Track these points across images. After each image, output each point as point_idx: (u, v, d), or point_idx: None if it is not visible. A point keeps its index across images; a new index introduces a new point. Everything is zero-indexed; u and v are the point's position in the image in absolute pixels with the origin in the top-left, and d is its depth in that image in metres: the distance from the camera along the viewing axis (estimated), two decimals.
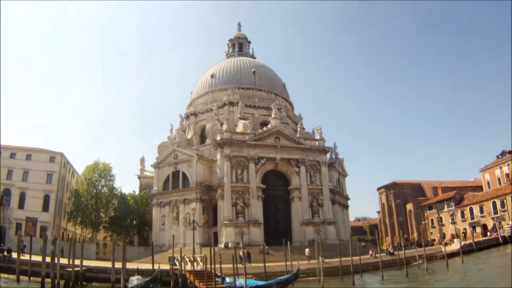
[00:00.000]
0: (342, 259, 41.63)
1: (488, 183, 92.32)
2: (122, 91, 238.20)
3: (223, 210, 65.58)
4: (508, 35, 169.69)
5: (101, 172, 75.32)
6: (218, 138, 69.07)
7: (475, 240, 61.91)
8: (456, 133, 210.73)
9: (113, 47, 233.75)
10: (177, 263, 38.08)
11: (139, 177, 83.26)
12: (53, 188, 75.83)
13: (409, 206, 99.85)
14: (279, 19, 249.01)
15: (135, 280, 34.15)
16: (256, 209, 66.60)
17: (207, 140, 77.02)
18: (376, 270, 45.16)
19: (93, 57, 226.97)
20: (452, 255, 53.79)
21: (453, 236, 72.58)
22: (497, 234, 65.81)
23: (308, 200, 70.51)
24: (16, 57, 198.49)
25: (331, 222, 71.24)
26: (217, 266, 35.18)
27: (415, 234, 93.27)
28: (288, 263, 40.68)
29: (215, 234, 68.79)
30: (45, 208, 74.39)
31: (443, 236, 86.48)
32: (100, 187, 75.11)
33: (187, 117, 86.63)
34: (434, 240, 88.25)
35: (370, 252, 55.62)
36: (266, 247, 54.70)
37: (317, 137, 75.86)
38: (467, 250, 55.73)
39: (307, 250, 50.11)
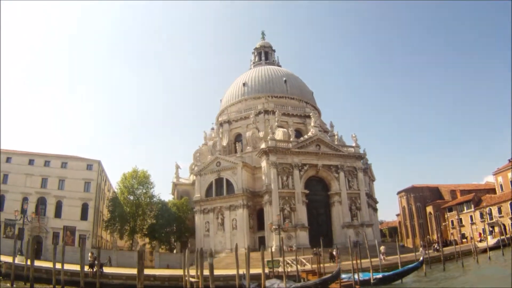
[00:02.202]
0: (391, 257, 48.73)
1: (501, 185, 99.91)
2: (146, 97, 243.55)
3: (271, 215, 69.73)
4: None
5: (141, 179, 77.95)
6: (263, 145, 73.49)
7: (500, 237, 69.98)
8: (465, 137, 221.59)
9: (132, 56, 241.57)
10: (281, 265, 42.39)
11: (176, 184, 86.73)
12: (91, 196, 76.75)
13: (429, 209, 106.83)
14: (293, 24, 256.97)
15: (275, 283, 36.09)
16: (302, 214, 71.18)
17: (248, 147, 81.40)
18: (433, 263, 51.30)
19: (110, 65, 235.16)
20: (490, 249, 60.75)
21: (481, 235, 79.62)
22: None
23: (348, 204, 75.88)
24: (44, 62, 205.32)
25: (369, 224, 76.67)
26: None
27: (435, 235, 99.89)
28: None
29: (260, 238, 72.96)
30: (84, 216, 75.01)
31: (463, 236, 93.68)
32: (140, 195, 77.41)
33: (221, 124, 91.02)
34: (455, 240, 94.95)
35: (420, 249, 61.66)
36: (331, 249, 59.18)
37: (353, 144, 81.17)
38: (501, 245, 63.39)
39: (382, 247, 54.99)
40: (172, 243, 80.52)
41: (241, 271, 35.46)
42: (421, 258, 41.62)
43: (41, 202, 73.09)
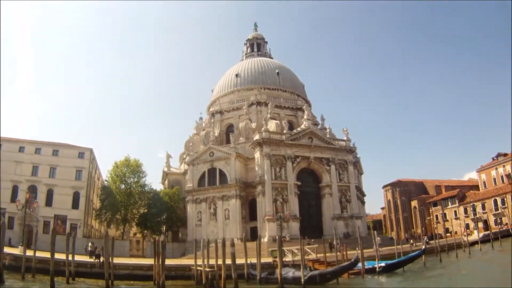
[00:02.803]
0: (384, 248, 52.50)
1: (484, 183, 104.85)
2: (135, 86, 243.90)
3: (264, 206, 72.08)
4: (508, 35, 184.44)
5: (133, 168, 78.25)
6: (257, 137, 75.70)
7: (485, 232, 75.26)
8: (449, 135, 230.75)
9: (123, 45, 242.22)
10: (289, 255, 44.60)
11: (167, 173, 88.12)
12: (82, 184, 76.74)
13: (414, 203, 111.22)
14: (285, 16, 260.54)
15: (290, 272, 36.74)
16: (294, 205, 73.80)
17: (241, 138, 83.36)
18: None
19: (102, 53, 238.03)
20: (476, 243, 66.23)
21: (464, 229, 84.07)
22: (508, 227, 76.97)
23: (338, 196, 78.79)
24: (34, 49, 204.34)
25: (358, 216, 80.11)
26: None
27: (419, 229, 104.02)
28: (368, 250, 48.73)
29: (252, 228, 75.10)
30: (75, 205, 74.76)
31: (447, 231, 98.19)
32: (131, 184, 77.89)
33: (212, 114, 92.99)
34: (440, 234, 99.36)
35: (411, 241, 65.26)
36: (331, 240, 60.97)
37: (344, 137, 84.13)
38: (486, 239, 68.39)
39: (378, 238, 57.82)
40: (163, 232, 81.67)
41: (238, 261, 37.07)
42: (423, 247, 44.84)
43: (32, 191, 71.19)
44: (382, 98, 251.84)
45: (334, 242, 53.02)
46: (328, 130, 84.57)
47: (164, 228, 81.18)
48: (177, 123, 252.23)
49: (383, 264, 39.84)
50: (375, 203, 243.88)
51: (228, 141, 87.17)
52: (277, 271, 36.68)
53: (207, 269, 35.07)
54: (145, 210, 79.26)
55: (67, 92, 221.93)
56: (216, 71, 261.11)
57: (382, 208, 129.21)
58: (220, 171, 78.14)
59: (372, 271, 38.97)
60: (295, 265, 40.99)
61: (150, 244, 74.98)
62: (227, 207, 75.63)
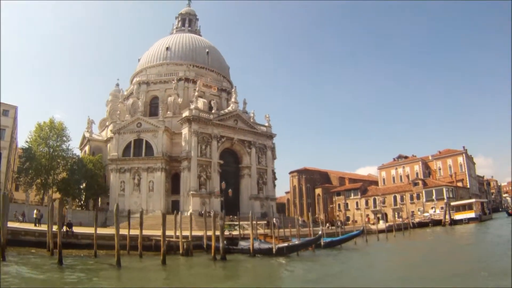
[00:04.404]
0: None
1: (384, 179, 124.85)
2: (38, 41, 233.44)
3: (189, 181, 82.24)
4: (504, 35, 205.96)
5: (59, 131, 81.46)
6: (187, 113, 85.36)
7: (389, 223, 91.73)
8: (350, 133, 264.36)
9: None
10: (241, 229, 53.28)
11: (89, 140, 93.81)
12: (5, 145, 75.92)
13: (318, 191, 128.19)
14: None
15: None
16: (216, 182, 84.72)
17: (168, 112, 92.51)
18: None
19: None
20: (381, 231, 79.53)
21: (369, 219, 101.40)
22: (408, 221, 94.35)
23: (256, 178, 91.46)
24: None
25: (273, 198, 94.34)
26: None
27: (322, 215, 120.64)
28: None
29: (173, 202, 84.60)
30: None
31: (348, 219, 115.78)
32: (54, 147, 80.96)
33: (139, 84, 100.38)
34: (341, 221, 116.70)
35: (327, 225, 79.45)
36: (267, 219, 71.80)
37: (266, 123, 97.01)
38: (390, 229, 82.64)
39: (300, 219, 70.74)
40: (83, 200, 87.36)
41: (155, 232, 43.36)
42: (362, 228, 58.21)
43: None
44: (299, 89, 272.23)
45: (274, 221, 64.77)
46: (252, 115, 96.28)
47: (84, 196, 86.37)
48: (80, 84, 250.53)
49: (328, 240, 52.24)
50: (279, 187, 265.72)
51: (151, 113, 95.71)
52: (241, 242, 47.55)
53: (183, 240, 43.16)
54: (66, 175, 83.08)
55: None
56: (138, 39, 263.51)
57: (287, 192, 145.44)
58: (147, 142, 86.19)
59: (317, 246, 49.72)
60: (244, 239, 49.55)
61: (72, 212, 79.54)
62: (152, 179, 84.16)
